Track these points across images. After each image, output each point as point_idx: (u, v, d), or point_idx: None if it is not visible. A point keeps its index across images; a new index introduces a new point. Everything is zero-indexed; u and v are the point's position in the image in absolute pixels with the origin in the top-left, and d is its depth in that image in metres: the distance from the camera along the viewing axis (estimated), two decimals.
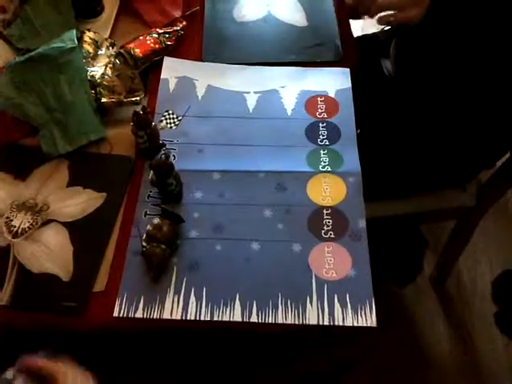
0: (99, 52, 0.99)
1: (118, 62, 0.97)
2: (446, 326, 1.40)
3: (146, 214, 0.83)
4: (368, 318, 0.73)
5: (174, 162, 0.89)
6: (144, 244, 0.78)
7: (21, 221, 0.82)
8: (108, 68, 0.97)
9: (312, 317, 0.73)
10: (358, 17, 0.93)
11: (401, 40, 0.99)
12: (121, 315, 0.73)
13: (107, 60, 0.98)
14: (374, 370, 1.08)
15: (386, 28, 1.17)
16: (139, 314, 0.73)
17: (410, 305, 1.42)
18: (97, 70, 0.96)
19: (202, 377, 0.93)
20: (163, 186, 0.82)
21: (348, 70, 1.02)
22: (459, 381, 1.30)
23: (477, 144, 1.00)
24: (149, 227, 0.78)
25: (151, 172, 0.83)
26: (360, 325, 0.73)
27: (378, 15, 0.87)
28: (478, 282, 1.47)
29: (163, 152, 0.89)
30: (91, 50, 0.99)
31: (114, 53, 0.99)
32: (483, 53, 0.87)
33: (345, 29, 1.08)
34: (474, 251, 1.50)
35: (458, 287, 1.46)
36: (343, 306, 0.74)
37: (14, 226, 0.82)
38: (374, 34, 1.20)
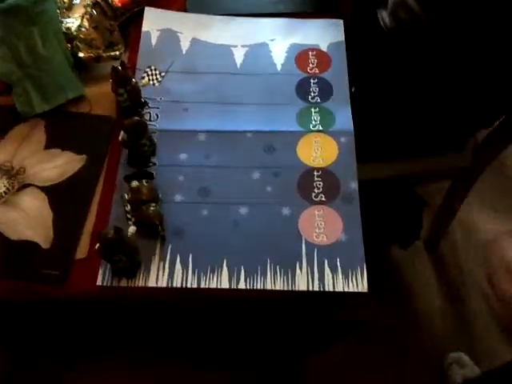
0: (74, 1, 0.92)
1: (94, 12, 0.90)
2: (438, 287, 1.40)
3: (127, 176, 0.80)
4: (359, 284, 0.71)
5: (156, 121, 0.85)
6: (128, 216, 0.74)
7: None
8: (85, 19, 0.90)
9: (302, 283, 0.71)
10: None
11: None
12: (104, 284, 0.71)
13: (83, 10, 0.91)
14: (364, 331, 1.08)
15: None
16: (123, 283, 0.71)
17: (403, 267, 1.41)
18: (72, 21, 0.90)
19: (191, 351, 0.92)
20: (135, 146, 0.78)
21: (341, 21, 0.96)
22: (450, 340, 1.31)
23: (476, 102, 0.95)
24: (128, 195, 0.74)
25: (122, 132, 0.78)
26: (351, 290, 0.71)
27: None
28: (471, 245, 1.46)
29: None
30: (66, 0, 0.92)
31: (90, 2, 0.92)
32: (487, 11, 0.82)
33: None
34: (468, 213, 1.48)
35: (452, 249, 1.45)
36: (334, 271, 0.72)
37: None
38: None
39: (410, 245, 1.29)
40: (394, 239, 1.27)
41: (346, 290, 0.71)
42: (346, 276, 0.72)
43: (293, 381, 1.18)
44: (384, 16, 1.01)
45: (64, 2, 0.92)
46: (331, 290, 0.71)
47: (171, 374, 1.09)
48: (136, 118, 0.77)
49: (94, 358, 1.00)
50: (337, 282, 0.71)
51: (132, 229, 0.70)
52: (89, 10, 0.91)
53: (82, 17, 0.90)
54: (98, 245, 0.67)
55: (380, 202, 1.08)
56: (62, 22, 0.89)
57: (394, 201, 1.14)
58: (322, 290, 0.71)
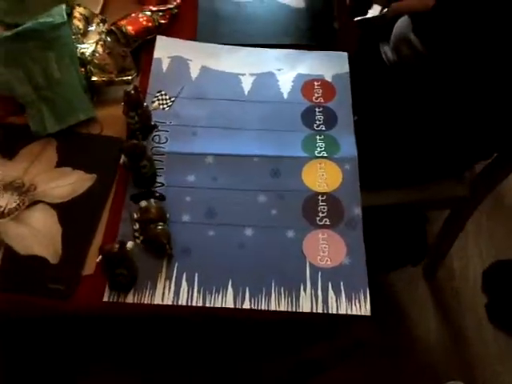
0: (89, 28, 0.96)
1: (109, 39, 0.94)
2: (435, 315, 1.40)
3: (135, 196, 0.81)
4: (362, 307, 0.72)
5: (165, 144, 0.88)
6: (136, 235, 0.76)
7: (7, 201, 0.80)
8: (99, 45, 0.93)
9: (306, 304, 0.72)
10: (363, 12, 0.91)
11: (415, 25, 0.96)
12: (111, 300, 0.71)
13: (98, 37, 0.95)
14: (361, 359, 1.08)
15: (384, 12, 1.15)
16: (129, 299, 0.72)
17: (400, 294, 1.41)
18: (87, 47, 0.93)
19: (194, 365, 0.92)
20: (136, 168, 0.80)
21: (346, 54, 1.00)
22: (447, 365, 1.31)
23: (475, 135, 0.98)
24: (137, 215, 0.76)
25: (122, 156, 0.80)
26: (354, 313, 0.72)
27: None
28: (469, 273, 1.47)
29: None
30: (81, 26, 0.96)
31: (104, 30, 0.96)
32: (486, 48, 0.85)
33: (343, 11, 1.06)
34: (466, 242, 1.50)
35: (449, 277, 1.46)
36: (337, 293, 0.73)
37: (1, 207, 0.79)
38: (373, 17, 1.18)
39: (421, 261, 1.30)
40: (402, 260, 1.28)
41: (349, 312, 0.72)
42: (349, 299, 0.73)
43: None
44: (386, 50, 1.05)
45: (79, 29, 0.95)
46: (335, 312, 0.72)
47: None
48: (134, 140, 0.79)
49: (96, 371, 0.99)
50: (340, 305, 0.72)
51: (130, 244, 0.71)
52: (103, 36, 0.95)
53: (97, 43, 0.94)
54: (99, 257, 0.68)
55: (383, 225, 1.09)
56: (77, 47, 0.92)
57: (397, 221, 1.15)
58: (325, 312, 0.72)
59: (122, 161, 0.81)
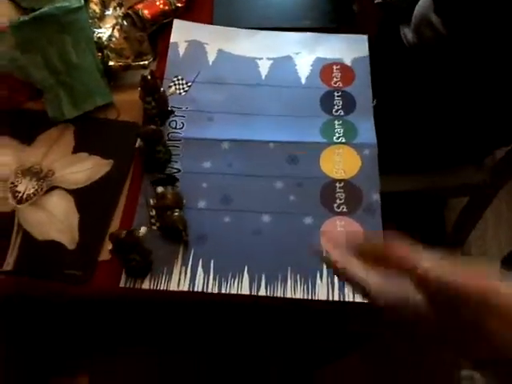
0: (106, 12, 0.95)
1: (125, 23, 0.93)
2: None
3: (153, 182, 0.81)
4: None
5: (182, 129, 0.87)
6: (153, 221, 0.76)
7: (25, 186, 0.80)
8: (115, 30, 0.93)
9: (322, 292, 0.72)
10: None
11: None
12: (127, 285, 0.72)
13: (114, 21, 0.94)
14: (375, 346, 1.08)
15: None
16: (146, 285, 0.72)
17: None
18: (104, 31, 0.92)
19: (208, 351, 0.92)
20: (151, 153, 0.79)
21: (366, 37, 0.98)
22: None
23: (497, 120, 0.96)
24: (153, 201, 0.75)
25: (138, 140, 0.79)
26: (369, 301, 0.71)
27: None
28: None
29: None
30: (98, 10, 0.95)
31: (121, 14, 0.95)
32: (508, 29, 0.82)
33: None
34: (485, 230, 1.47)
35: None
36: None
37: (19, 192, 0.80)
38: None
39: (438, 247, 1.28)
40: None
41: (365, 300, 0.71)
42: None
43: None
44: (407, 32, 1.03)
45: (96, 13, 0.95)
46: (351, 300, 0.71)
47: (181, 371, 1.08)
48: (152, 126, 0.79)
49: (108, 356, 1.00)
50: (356, 293, 0.71)
51: (143, 229, 0.71)
52: (120, 21, 0.94)
53: (113, 27, 0.93)
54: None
55: (401, 212, 1.08)
56: (93, 32, 0.91)
57: (415, 207, 1.13)
58: (341, 300, 0.71)
59: (137, 144, 0.80)
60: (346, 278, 0.44)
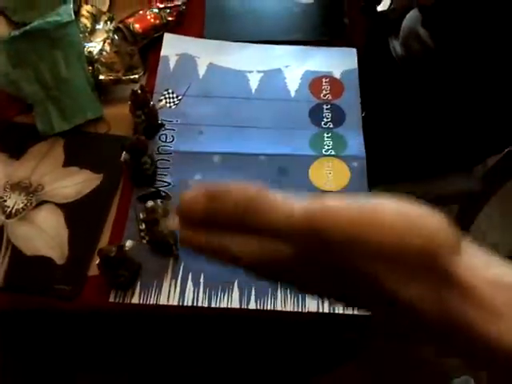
0: (97, 26, 0.96)
1: (116, 37, 0.94)
2: None
3: (141, 196, 0.81)
4: None
5: (172, 143, 0.87)
6: (142, 235, 0.76)
7: (15, 201, 0.80)
8: (106, 44, 0.93)
9: (311, 304, 0.72)
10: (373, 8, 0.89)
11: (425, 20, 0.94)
12: (117, 300, 0.72)
13: (105, 35, 0.95)
14: (369, 355, 1.08)
15: (393, 6, 1.13)
16: (135, 300, 0.72)
17: None
18: (94, 45, 0.93)
19: (199, 367, 0.92)
20: (137, 166, 0.79)
21: (355, 50, 0.98)
22: (458, 364, 1.29)
23: (486, 129, 0.97)
24: (143, 215, 0.75)
25: (124, 153, 0.78)
26: (361, 313, 0.71)
27: None
28: None
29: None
30: (89, 25, 0.96)
31: (112, 28, 0.95)
32: (495, 40, 0.83)
33: (353, 6, 1.04)
34: (476, 237, 1.47)
35: None
36: None
37: (8, 207, 0.80)
38: (382, 11, 1.16)
39: None
40: None
41: (355, 312, 0.71)
42: None
43: None
44: (395, 45, 1.04)
45: (87, 27, 0.95)
46: (341, 312, 0.71)
47: None
48: (135, 137, 0.79)
49: (95, 373, 1.00)
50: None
51: (130, 242, 0.71)
52: (110, 35, 0.95)
53: (104, 41, 0.94)
54: (98, 261, 0.68)
55: None
56: (84, 46, 0.92)
57: None
58: (331, 312, 0.71)
59: (122, 158, 0.79)
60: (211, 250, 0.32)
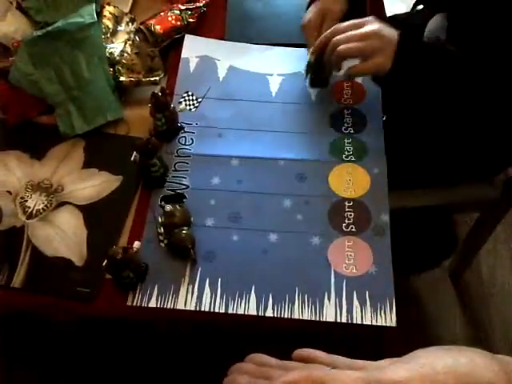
0: (118, 28, 0.96)
1: (137, 38, 0.94)
2: (462, 317, 1.37)
3: (161, 199, 0.81)
4: (387, 318, 0.70)
5: (191, 145, 0.87)
6: (161, 238, 0.76)
7: (35, 202, 0.81)
8: (127, 45, 0.93)
9: (329, 313, 0.71)
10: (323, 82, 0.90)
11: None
12: (134, 304, 0.72)
13: (126, 36, 0.95)
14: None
15: (419, 7, 1.11)
16: (153, 304, 0.72)
17: (426, 298, 1.38)
18: (116, 46, 0.93)
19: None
20: (146, 167, 0.79)
21: None
22: None
23: (507, 138, 0.95)
24: (162, 219, 0.75)
25: (134, 153, 0.79)
26: (379, 324, 0.70)
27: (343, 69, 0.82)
28: (497, 277, 1.43)
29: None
30: (110, 26, 0.96)
31: (133, 29, 0.95)
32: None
33: (377, 9, 1.03)
34: (495, 245, 1.45)
35: (477, 281, 1.42)
36: (362, 303, 0.71)
37: (29, 207, 0.80)
38: (406, 14, 1.14)
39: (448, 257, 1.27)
40: (431, 261, 1.25)
41: (373, 323, 0.70)
42: (374, 309, 0.71)
43: None
44: None
45: (109, 28, 0.96)
46: (359, 322, 0.70)
47: None
48: (148, 137, 0.78)
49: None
50: (365, 315, 0.71)
51: (137, 244, 0.71)
52: (132, 36, 0.95)
53: (125, 43, 0.94)
54: (105, 262, 0.68)
55: (410, 230, 1.07)
56: (105, 47, 0.92)
57: (424, 225, 1.12)
58: (349, 322, 0.70)
59: (133, 157, 0.79)
60: None
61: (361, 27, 0.80)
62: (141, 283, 0.73)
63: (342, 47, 0.78)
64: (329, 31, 0.83)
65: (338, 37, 0.80)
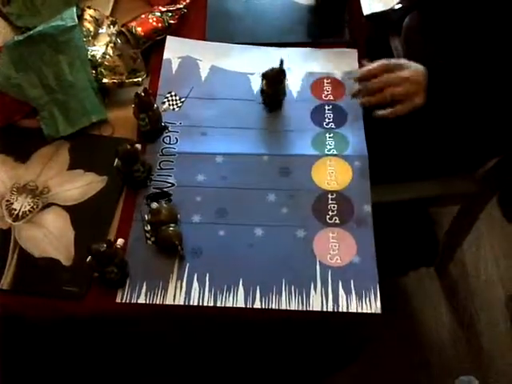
0: (100, 31, 0.97)
1: (119, 41, 0.95)
2: (448, 311, 1.39)
3: (147, 198, 0.82)
4: (372, 305, 0.72)
5: (176, 144, 0.88)
6: (148, 236, 0.77)
7: (21, 204, 0.81)
8: (109, 47, 0.94)
9: (316, 303, 0.72)
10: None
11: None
12: (123, 301, 0.72)
13: (108, 39, 0.95)
14: (373, 356, 1.08)
15: (396, 6, 1.13)
16: (142, 300, 0.73)
17: (412, 289, 1.41)
18: (98, 49, 0.94)
19: (205, 369, 0.92)
20: (129, 172, 0.80)
21: (356, 51, 0.99)
22: (462, 365, 1.30)
23: (488, 132, 0.97)
24: (148, 217, 0.76)
25: (116, 159, 0.79)
26: (364, 311, 0.72)
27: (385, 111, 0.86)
28: (480, 268, 1.46)
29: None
30: (92, 29, 0.97)
31: (115, 31, 0.96)
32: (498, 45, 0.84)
33: (355, 7, 1.05)
34: (477, 237, 1.48)
35: (461, 273, 1.45)
36: (347, 292, 0.73)
37: (15, 210, 0.81)
38: (383, 12, 1.17)
39: (433, 261, 1.29)
40: (415, 262, 1.27)
41: (359, 310, 0.72)
42: (359, 297, 0.73)
43: None
44: (397, 45, 1.05)
45: (90, 31, 0.96)
46: (345, 310, 0.72)
47: None
48: (129, 145, 0.79)
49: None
50: (350, 303, 0.72)
51: (120, 241, 0.72)
52: (113, 38, 0.96)
53: (107, 45, 0.95)
54: (89, 257, 0.69)
55: (392, 226, 1.09)
56: (87, 50, 0.93)
57: (405, 221, 1.14)
58: (335, 310, 0.72)
59: (115, 164, 0.80)
60: None
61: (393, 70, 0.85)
62: (126, 279, 0.74)
63: (388, 92, 0.84)
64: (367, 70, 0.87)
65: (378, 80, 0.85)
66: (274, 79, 0.88)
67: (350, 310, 0.72)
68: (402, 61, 0.87)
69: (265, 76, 0.88)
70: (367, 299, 0.72)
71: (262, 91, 0.91)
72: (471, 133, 0.97)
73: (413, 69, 0.85)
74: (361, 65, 0.91)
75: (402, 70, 0.85)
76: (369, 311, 0.72)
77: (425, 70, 0.84)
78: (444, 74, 0.86)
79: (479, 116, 0.93)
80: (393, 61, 0.87)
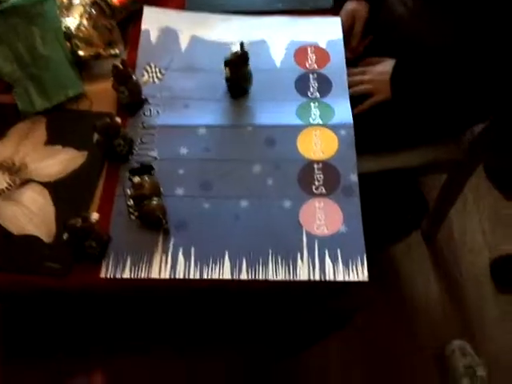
0: (74, 1, 0.93)
1: (93, 11, 0.91)
2: (436, 277, 1.41)
3: (129, 172, 0.80)
4: (359, 273, 0.72)
5: (157, 117, 0.86)
6: (131, 211, 0.76)
7: None
8: (84, 18, 0.91)
9: (303, 273, 0.72)
10: None
11: None
12: (108, 276, 0.71)
13: (82, 10, 0.92)
14: (361, 323, 1.09)
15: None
16: (126, 275, 0.71)
17: (401, 257, 1.42)
18: (72, 20, 0.90)
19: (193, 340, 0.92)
20: (110, 147, 0.78)
21: (339, 19, 0.97)
22: (449, 330, 1.32)
23: (472, 95, 0.96)
24: (131, 191, 0.74)
25: (95, 134, 0.77)
26: (351, 279, 0.71)
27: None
28: (467, 235, 1.47)
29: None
30: (65, 0, 0.93)
31: (89, 2, 0.93)
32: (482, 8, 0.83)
33: None
34: (464, 205, 1.49)
35: (448, 240, 1.46)
36: (334, 261, 0.72)
37: None
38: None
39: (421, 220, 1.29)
40: (404, 229, 1.27)
41: (346, 279, 0.71)
42: (346, 266, 0.72)
43: (282, 375, 1.19)
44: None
45: (63, 2, 0.93)
46: (332, 279, 0.71)
47: (164, 365, 1.08)
48: (108, 119, 0.77)
49: (103, 351, 0.99)
50: (337, 272, 0.72)
51: (95, 215, 0.70)
52: (87, 9, 0.92)
53: (81, 16, 0.91)
54: (65, 234, 0.68)
55: (379, 196, 1.08)
56: (61, 22, 0.89)
57: (392, 189, 1.14)
58: (322, 279, 0.71)
59: (94, 139, 0.77)
60: None
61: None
62: (105, 253, 0.72)
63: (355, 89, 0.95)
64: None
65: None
66: (236, 64, 0.84)
67: (337, 279, 0.71)
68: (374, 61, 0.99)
69: (227, 63, 0.84)
70: (354, 268, 0.72)
71: (227, 79, 0.87)
72: (457, 97, 0.96)
73: (379, 69, 0.96)
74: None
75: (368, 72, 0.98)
76: (356, 279, 0.71)
77: (391, 69, 0.93)
78: (408, 70, 0.91)
79: (463, 77, 0.92)
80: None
